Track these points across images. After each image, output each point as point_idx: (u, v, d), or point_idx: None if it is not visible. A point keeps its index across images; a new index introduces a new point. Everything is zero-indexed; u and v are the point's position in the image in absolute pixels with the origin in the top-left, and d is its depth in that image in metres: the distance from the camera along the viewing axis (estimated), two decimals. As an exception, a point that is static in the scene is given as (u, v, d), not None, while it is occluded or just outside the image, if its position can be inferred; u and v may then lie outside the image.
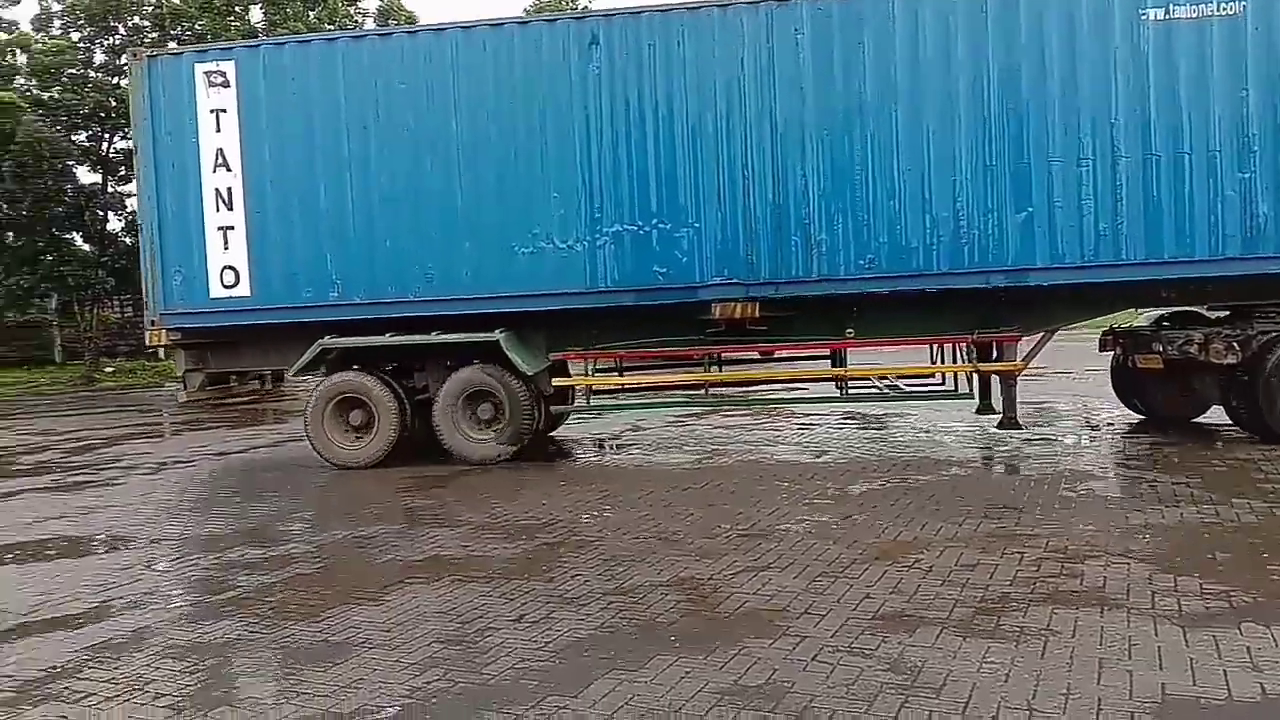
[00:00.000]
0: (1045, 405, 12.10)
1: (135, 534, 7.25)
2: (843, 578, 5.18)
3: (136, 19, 25.17)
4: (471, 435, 9.52)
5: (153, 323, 9.90)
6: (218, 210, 9.60)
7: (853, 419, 11.55)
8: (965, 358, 9.60)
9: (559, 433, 11.47)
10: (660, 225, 9.08)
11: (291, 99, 9.50)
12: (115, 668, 4.41)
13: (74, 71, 24.70)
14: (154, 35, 24.58)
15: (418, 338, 9.43)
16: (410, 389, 9.77)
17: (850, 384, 9.99)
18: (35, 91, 24.73)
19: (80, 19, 24.99)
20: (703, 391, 10.30)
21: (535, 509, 7.33)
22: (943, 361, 9.86)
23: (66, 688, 4.21)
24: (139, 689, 4.13)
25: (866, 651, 4.13)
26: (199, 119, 9.59)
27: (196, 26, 24.25)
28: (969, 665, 3.94)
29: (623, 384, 10.42)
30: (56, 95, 24.38)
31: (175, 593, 5.64)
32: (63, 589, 5.78)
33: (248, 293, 9.64)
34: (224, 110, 9.56)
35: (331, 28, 24.46)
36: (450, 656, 4.32)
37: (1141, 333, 9.68)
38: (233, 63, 9.59)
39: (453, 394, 9.48)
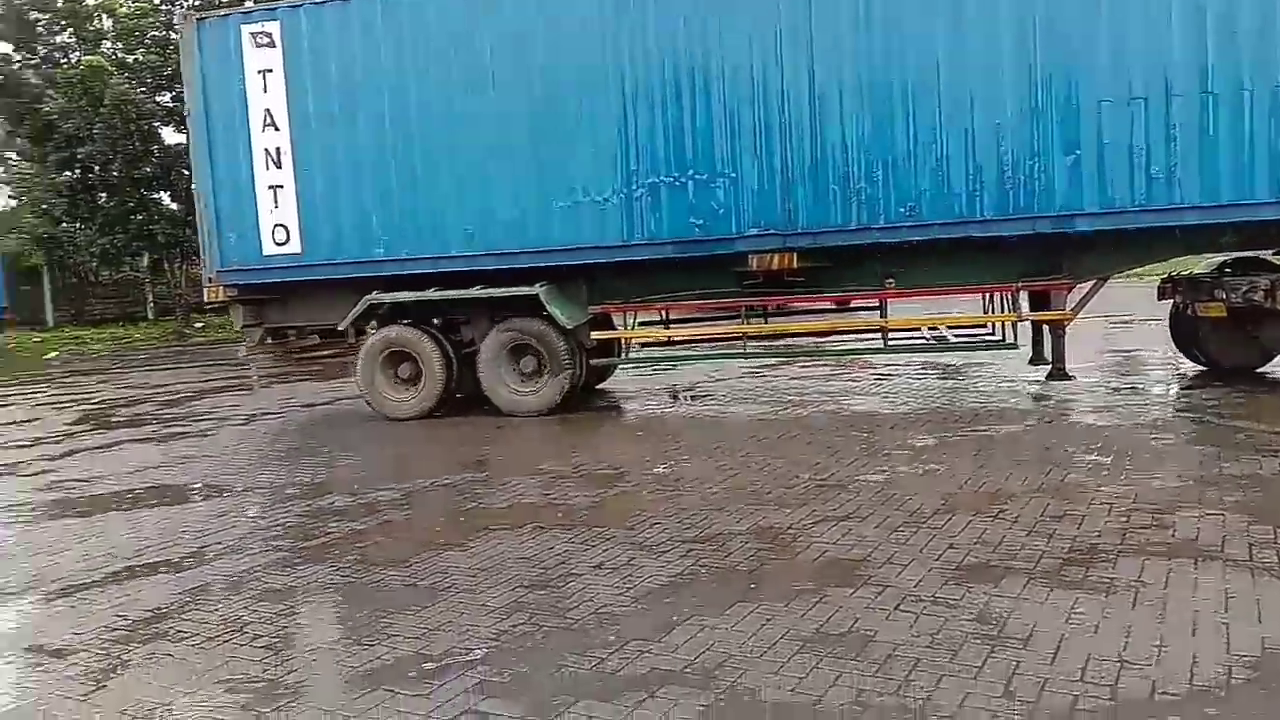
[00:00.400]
0: (1133, 353, 11.73)
1: (230, 483, 7.52)
2: (925, 528, 5.13)
3: (214, -21, 25.53)
4: (515, 387, 9.60)
5: (210, 280, 10.19)
6: (267, 169, 9.76)
7: (932, 369, 11.35)
8: (1011, 307, 9.33)
9: (635, 384, 11.52)
10: (696, 176, 8.93)
11: (333, 57, 9.54)
12: (214, 610, 4.60)
13: (156, 33, 25.21)
14: (230, -4, 24.93)
15: (460, 292, 9.51)
16: (456, 342, 9.89)
17: (896, 334, 9.82)
18: (121, 55, 25.34)
19: (161, -20, 25.49)
20: (741, 343, 10.18)
21: (613, 458, 7.39)
22: (991, 311, 9.60)
23: (171, 627, 4.41)
24: (237, 630, 4.31)
25: (951, 601, 4.09)
26: (247, 80, 9.71)
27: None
28: (1057, 617, 3.87)
29: (666, 336, 10.39)
30: (140, 58, 24.97)
31: (269, 538, 5.83)
32: (164, 534, 6.03)
33: (298, 250, 9.82)
34: (270, 70, 9.67)
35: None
36: (534, 601, 4.40)
37: (1202, 279, 9.20)
38: (277, 23, 9.66)
39: (495, 347, 9.57)
